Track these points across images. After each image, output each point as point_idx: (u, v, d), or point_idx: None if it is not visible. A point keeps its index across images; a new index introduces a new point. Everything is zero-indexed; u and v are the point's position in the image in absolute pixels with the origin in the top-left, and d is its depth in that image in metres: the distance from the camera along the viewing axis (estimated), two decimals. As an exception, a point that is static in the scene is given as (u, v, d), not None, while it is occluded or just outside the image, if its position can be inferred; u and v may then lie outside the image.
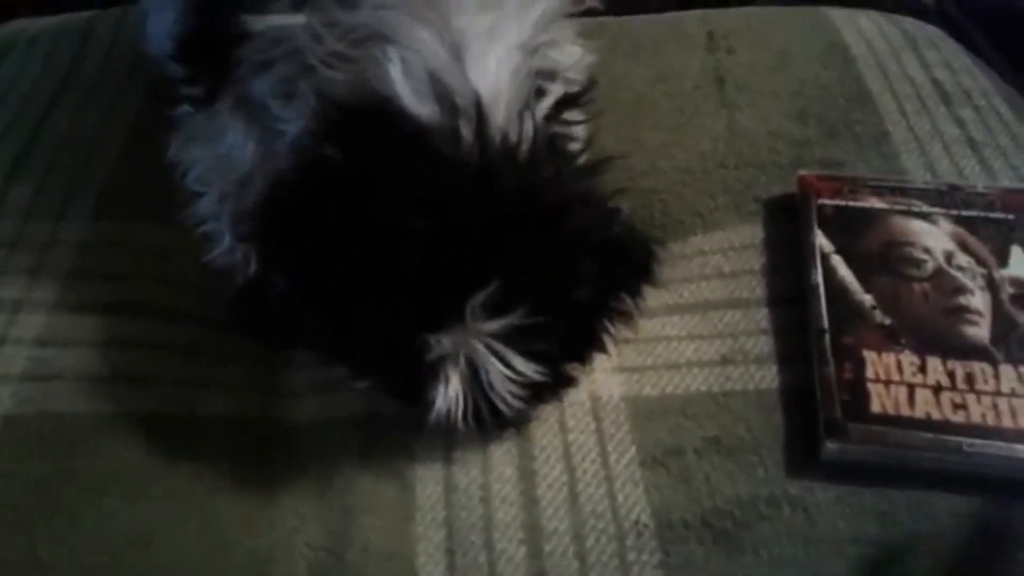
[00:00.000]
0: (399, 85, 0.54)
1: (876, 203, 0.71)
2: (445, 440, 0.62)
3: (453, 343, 0.53)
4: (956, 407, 0.59)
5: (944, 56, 0.89)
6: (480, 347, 0.54)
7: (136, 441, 0.62)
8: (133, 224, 0.76)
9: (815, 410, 0.60)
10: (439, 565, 0.56)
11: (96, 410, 0.63)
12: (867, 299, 0.65)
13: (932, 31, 0.95)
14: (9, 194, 0.78)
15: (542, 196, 0.55)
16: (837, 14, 0.93)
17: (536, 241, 0.54)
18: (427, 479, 0.60)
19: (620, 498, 0.59)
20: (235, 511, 0.59)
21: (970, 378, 0.60)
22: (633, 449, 0.61)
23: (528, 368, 0.55)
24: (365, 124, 0.55)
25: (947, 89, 0.85)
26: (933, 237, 0.69)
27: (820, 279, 0.66)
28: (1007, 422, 0.58)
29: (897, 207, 0.71)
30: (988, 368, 0.61)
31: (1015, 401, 0.59)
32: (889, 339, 0.62)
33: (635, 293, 0.62)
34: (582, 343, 0.60)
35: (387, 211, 0.52)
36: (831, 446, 0.58)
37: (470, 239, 0.53)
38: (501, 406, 0.56)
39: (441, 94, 0.54)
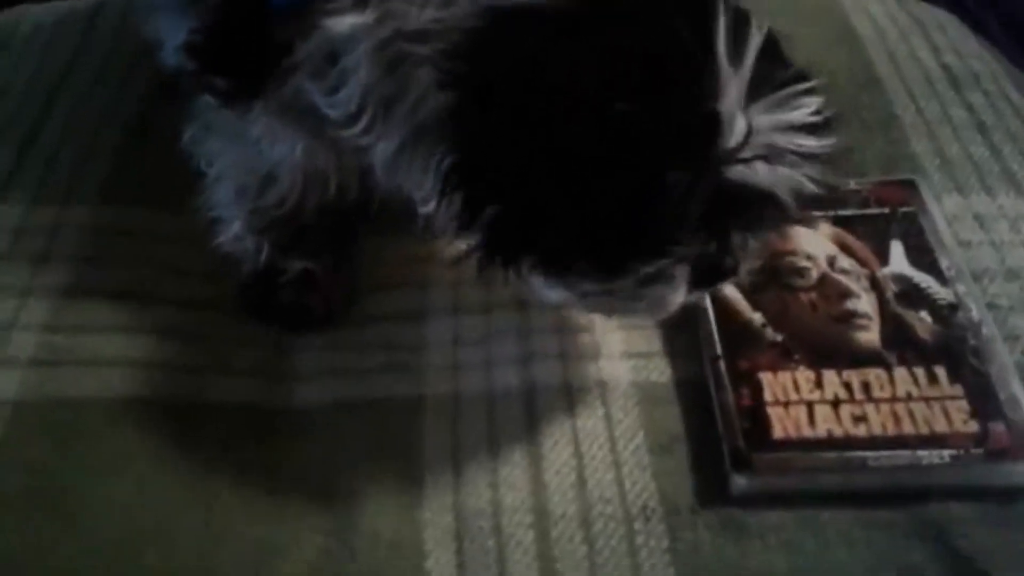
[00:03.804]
0: None
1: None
2: (453, 424, 0.62)
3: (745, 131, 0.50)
4: (856, 420, 0.58)
5: (953, 40, 0.89)
6: (767, 114, 0.51)
7: (144, 427, 0.62)
8: (140, 210, 0.76)
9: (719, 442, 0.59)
10: (447, 550, 0.56)
11: (104, 396, 0.64)
12: (756, 317, 0.65)
13: (941, 15, 0.95)
14: (15, 180, 0.78)
15: None
16: (845, -2, 0.93)
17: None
18: (435, 464, 0.60)
19: (628, 483, 0.59)
20: (243, 498, 0.60)
21: (867, 387, 0.60)
22: (641, 434, 0.61)
23: (812, 103, 0.52)
24: (507, 24, 0.53)
25: (956, 73, 0.84)
26: (814, 242, 0.68)
27: (708, 303, 0.65)
28: (907, 428, 0.58)
29: None
30: (883, 374, 0.61)
31: (912, 405, 0.59)
32: (783, 356, 0.62)
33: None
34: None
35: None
36: (739, 480, 0.57)
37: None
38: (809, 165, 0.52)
39: None
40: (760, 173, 0.51)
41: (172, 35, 0.72)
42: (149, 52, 0.81)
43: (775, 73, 0.52)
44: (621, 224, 0.51)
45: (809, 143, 0.52)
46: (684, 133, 0.50)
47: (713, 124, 0.49)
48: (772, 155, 0.51)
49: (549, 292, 0.57)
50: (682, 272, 0.55)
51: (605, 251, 0.53)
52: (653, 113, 0.49)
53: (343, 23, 0.56)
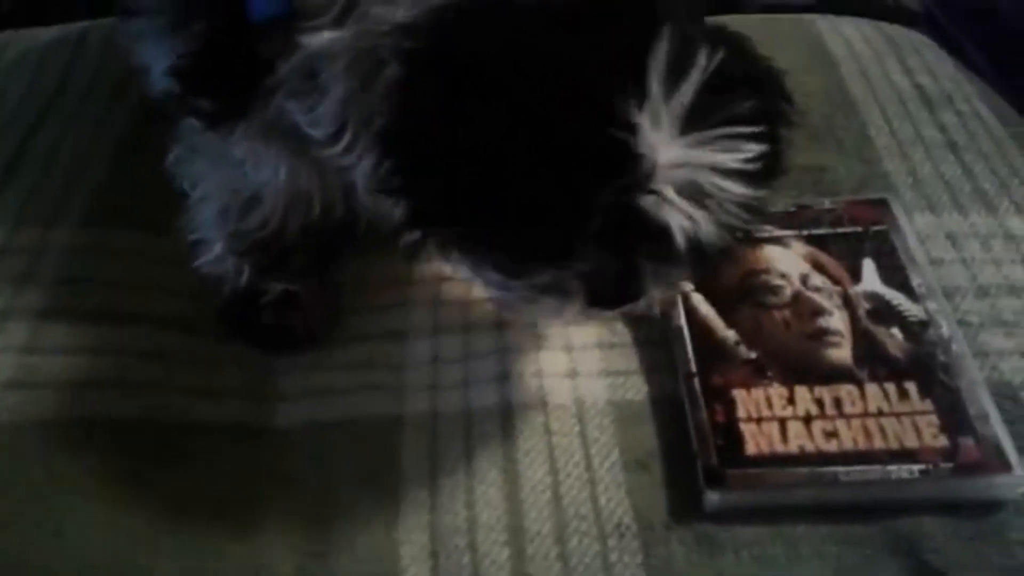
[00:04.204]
0: None
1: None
2: (430, 443, 0.63)
3: (661, 150, 0.48)
4: (828, 435, 0.59)
5: (927, 62, 0.90)
6: (691, 153, 0.49)
7: (125, 448, 0.63)
8: (122, 231, 0.76)
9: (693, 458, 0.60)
10: (423, 567, 0.57)
11: (84, 418, 0.64)
12: (730, 335, 0.65)
13: (915, 37, 0.96)
14: (0, 201, 0.78)
15: None
16: (821, 22, 0.94)
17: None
18: (412, 482, 0.61)
19: (603, 500, 0.59)
20: (223, 516, 0.60)
21: (838, 403, 0.61)
22: (616, 452, 0.62)
23: (750, 149, 0.49)
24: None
25: (929, 94, 0.86)
26: (788, 261, 0.69)
27: (683, 321, 0.66)
28: (878, 443, 0.58)
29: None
30: (854, 390, 0.61)
31: (883, 420, 0.60)
32: (756, 374, 0.63)
33: (787, 119, 0.57)
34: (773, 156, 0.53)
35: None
36: (713, 496, 0.57)
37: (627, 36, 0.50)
38: (728, 211, 0.51)
39: None
40: (664, 208, 0.49)
41: (158, 60, 0.73)
42: (135, 74, 0.82)
43: (725, 108, 0.50)
44: (516, 225, 0.51)
45: (734, 189, 0.50)
46: (592, 151, 0.49)
47: (622, 148, 0.48)
48: (687, 193, 0.50)
49: (464, 272, 0.57)
50: (577, 288, 0.55)
51: (501, 248, 0.54)
52: (566, 124, 0.49)
53: (320, 39, 0.57)
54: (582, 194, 0.50)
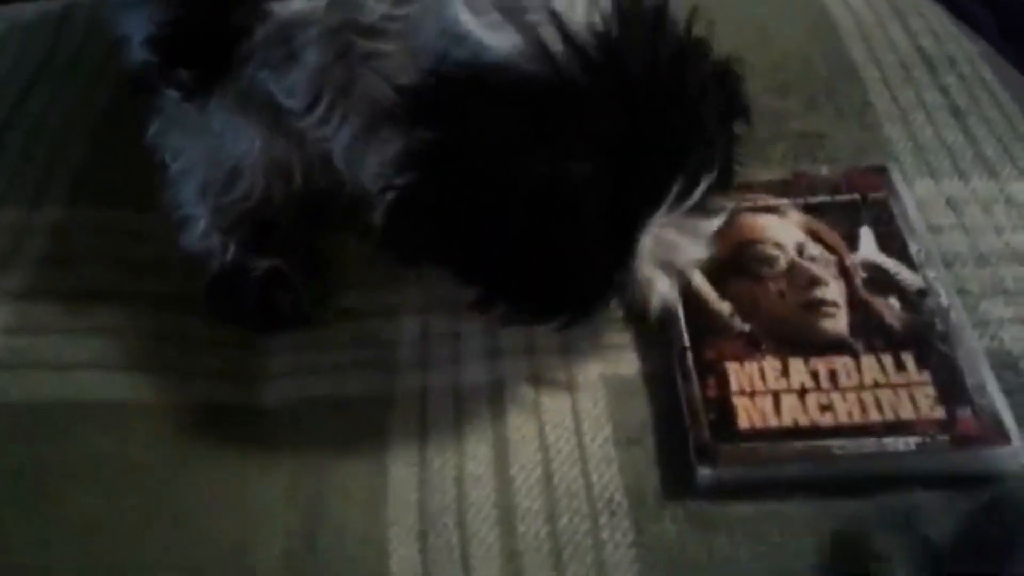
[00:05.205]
0: (470, 24, 0.52)
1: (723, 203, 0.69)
2: (420, 420, 0.62)
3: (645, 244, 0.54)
4: (823, 408, 0.58)
5: (930, 23, 0.88)
6: (669, 233, 0.54)
7: (110, 429, 0.62)
8: (107, 210, 0.75)
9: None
10: (411, 547, 0.56)
11: (69, 399, 0.63)
12: (724, 307, 0.64)
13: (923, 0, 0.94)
14: (-16, 181, 0.77)
15: (657, 56, 0.54)
16: (821, -18, 0.92)
17: (681, 96, 0.54)
18: (401, 461, 0.60)
19: (594, 477, 0.58)
20: (210, 497, 0.59)
21: (833, 375, 0.60)
22: (608, 427, 0.61)
23: (709, 227, 0.56)
24: (463, 89, 0.52)
25: (932, 56, 0.84)
26: (783, 230, 0.68)
27: (676, 293, 0.65)
28: (874, 416, 0.57)
29: (744, 204, 0.69)
30: (850, 362, 0.60)
31: (879, 392, 0.58)
32: (749, 346, 0.62)
33: (746, 118, 0.61)
34: (726, 175, 0.59)
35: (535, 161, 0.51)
36: (705, 472, 0.57)
37: (627, 137, 0.52)
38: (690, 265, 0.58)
39: (513, 16, 0.52)
40: (639, 284, 0.55)
41: (138, 30, 0.72)
42: (119, 48, 0.81)
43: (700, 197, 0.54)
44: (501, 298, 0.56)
45: (695, 256, 0.56)
46: (587, 276, 0.54)
47: (623, 255, 0.53)
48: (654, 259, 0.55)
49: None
50: None
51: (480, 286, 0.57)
52: (571, 250, 0.53)
53: (290, 7, 0.56)
54: (568, 298, 0.56)
